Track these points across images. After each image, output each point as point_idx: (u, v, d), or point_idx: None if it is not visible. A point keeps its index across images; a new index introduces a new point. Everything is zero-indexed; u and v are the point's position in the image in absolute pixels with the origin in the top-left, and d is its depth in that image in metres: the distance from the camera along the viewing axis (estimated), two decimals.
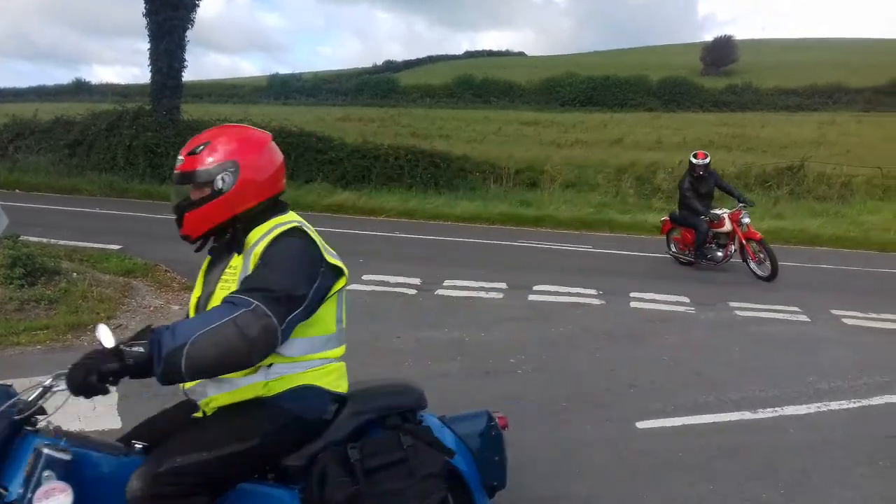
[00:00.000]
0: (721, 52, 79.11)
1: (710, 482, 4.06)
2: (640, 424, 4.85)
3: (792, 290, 9.43)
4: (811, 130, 38.10)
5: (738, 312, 8.24)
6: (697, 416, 5.06)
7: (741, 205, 10.70)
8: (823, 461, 4.40)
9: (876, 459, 4.45)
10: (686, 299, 8.70)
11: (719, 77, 70.72)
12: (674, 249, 11.48)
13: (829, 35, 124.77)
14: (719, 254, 10.86)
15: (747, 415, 5.13)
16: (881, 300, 9.23)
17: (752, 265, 10.43)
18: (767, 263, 10.16)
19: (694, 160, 10.86)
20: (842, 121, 44.46)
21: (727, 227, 10.56)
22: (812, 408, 5.34)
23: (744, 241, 10.44)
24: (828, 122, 43.46)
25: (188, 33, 18.97)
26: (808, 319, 8.07)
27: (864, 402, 5.48)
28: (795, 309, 8.44)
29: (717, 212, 10.74)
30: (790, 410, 5.25)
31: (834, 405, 5.41)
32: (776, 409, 5.25)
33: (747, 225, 10.47)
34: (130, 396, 4.90)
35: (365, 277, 8.95)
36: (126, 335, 6.11)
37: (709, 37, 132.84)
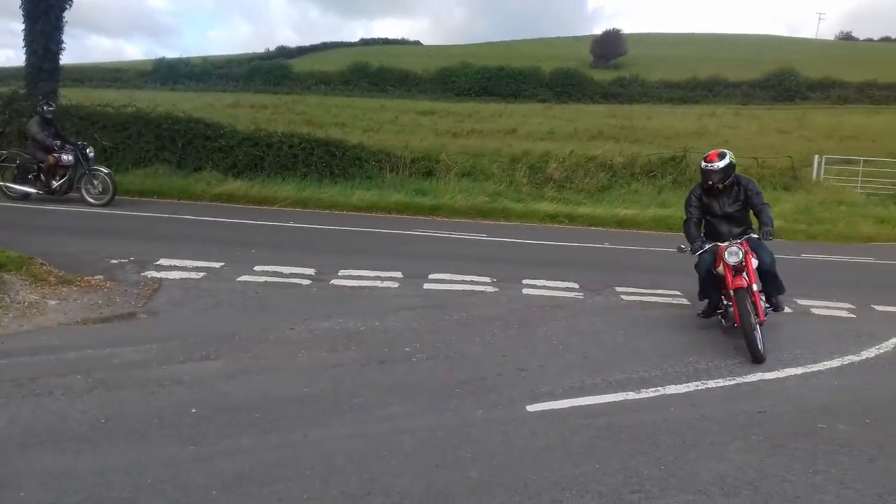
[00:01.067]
0: (610, 46, 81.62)
1: (596, 461, 4.21)
2: (530, 407, 4.98)
3: (674, 276, 9.85)
4: (693, 122, 39.94)
5: (623, 297, 8.57)
6: (585, 397, 5.23)
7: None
8: (702, 437, 4.65)
9: (749, 434, 4.73)
10: (576, 285, 8.97)
11: (608, 70, 73.00)
12: None
13: (710, 30, 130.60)
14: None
15: (631, 395, 5.35)
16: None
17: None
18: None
19: (704, 164, 7.16)
20: (721, 113, 46.80)
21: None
22: (691, 386, 5.62)
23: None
24: (708, 114, 45.64)
25: (66, 14, 18.06)
26: (688, 303, 8.46)
27: (739, 380, 5.82)
28: (677, 293, 8.85)
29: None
30: (671, 389, 5.52)
31: (711, 383, 5.72)
32: (658, 388, 5.50)
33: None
34: (1, 397, 4.64)
35: (257, 268, 8.76)
36: None
37: (598, 30, 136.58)
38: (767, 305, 6.92)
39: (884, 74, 62.39)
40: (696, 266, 7.08)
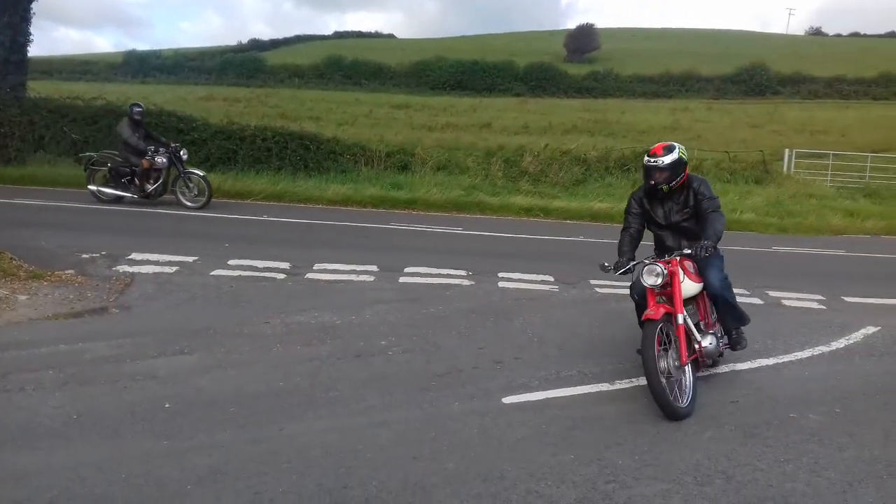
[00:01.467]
0: (583, 40, 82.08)
1: (571, 451, 4.24)
2: (506, 399, 5.00)
3: None
4: (666, 116, 40.33)
5: (597, 290, 8.63)
6: (560, 389, 5.26)
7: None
8: (675, 427, 4.69)
9: (721, 423, 4.79)
10: (550, 278, 9.01)
11: (582, 64, 73.34)
12: None
13: (682, 26, 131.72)
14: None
15: (606, 386, 5.39)
16: None
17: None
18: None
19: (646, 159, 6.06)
20: (693, 107, 47.30)
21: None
22: None
23: None
24: (681, 108, 46.13)
25: (33, 5, 17.64)
26: None
27: (711, 371, 5.86)
28: None
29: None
30: (645, 381, 5.55)
31: None
32: (632, 379, 5.53)
33: None
34: None
35: (231, 262, 8.70)
36: None
37: (571, 24, 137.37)
38: (724, 341, 5.69)
39: (853, 70, 63.46)
40: (630, 288, 5.71)
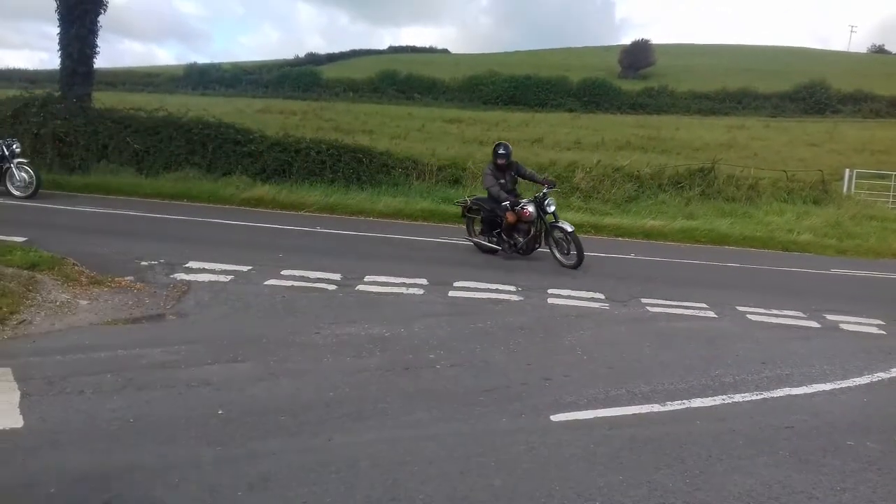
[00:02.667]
0: (638, 56, 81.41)
1: (620, 473, 4.19)
2: (555, 417, 4.97)
3: (700, 288, 9.80)
4: (722, 134, 39.65)
5: (649, 308, 8.52)
6: (609, 408, 5.21)
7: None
8: (728, 451, 4.60)
9: (776, 449, 4.68)
10: (601, 296, 8.93)
11: (636, 80, 72.74)
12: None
13: (739, 42, 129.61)
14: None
15: (656, 407, 5.32)
16: (783, 297, 9.70)
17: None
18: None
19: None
20: (750, 125, 46.41)
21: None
22: (718, 400, 5.57)
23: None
24: (737, 126, 45.29)
25: (101, 18, 18.27)
26: (714, 315, 8.40)
27: (766, 395, 5.75)
28: (703, 305, 8.78)
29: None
30: (697, 402, 5.47)
31: (738, 397, 5.66)
32: (684, 401, 5.45)
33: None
34: (33, 395, 4.73)
35: (284, 273, 8.84)
36: (30, 330, 5.89)
37: (626, 40, 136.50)
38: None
39: None
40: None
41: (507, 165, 11.38)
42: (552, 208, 10.90)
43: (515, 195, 11.30)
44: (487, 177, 11.28)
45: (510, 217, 10.91)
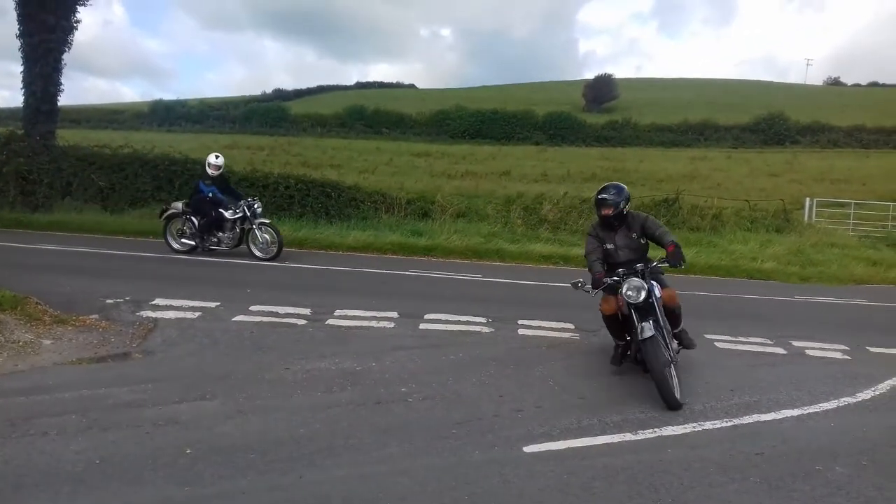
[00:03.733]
0: (602, 90, 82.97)
1: (594, 502, 4.18)
2: (527, 448, 4.95)
3: None
4: (684, 165, 40.40)
5: None
6: (582, 438, 5.21)
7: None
8: (699, 479, 4.62)
9: (747, 476, 4.70)
10: (571, 326, 8.97)
11: (600, 113, 73.97)
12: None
13: (700, 76, 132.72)
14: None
15: (628, 436, 5.33)
16: (749, 324, 9.83)
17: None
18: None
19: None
20: (712, 156, 47.36)
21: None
22: (688, 428, 5.60)
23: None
24: (699, 157, 46.21)
25: (65, 56, 18.20)
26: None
27: (736, 422, 5.79)
28: None
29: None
30: (668, 431, 5.49)
31: (708, 425, 5.69)
32: (655, 429, 5.47)
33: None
34: None
35: (253, 308, 8.76)
36: None
37: (590, 74, 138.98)
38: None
39: (872, 119, 63.37)
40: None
41: (618, 219, 7.04)
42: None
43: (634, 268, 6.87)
44: (589, 240, 7.33)
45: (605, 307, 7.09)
